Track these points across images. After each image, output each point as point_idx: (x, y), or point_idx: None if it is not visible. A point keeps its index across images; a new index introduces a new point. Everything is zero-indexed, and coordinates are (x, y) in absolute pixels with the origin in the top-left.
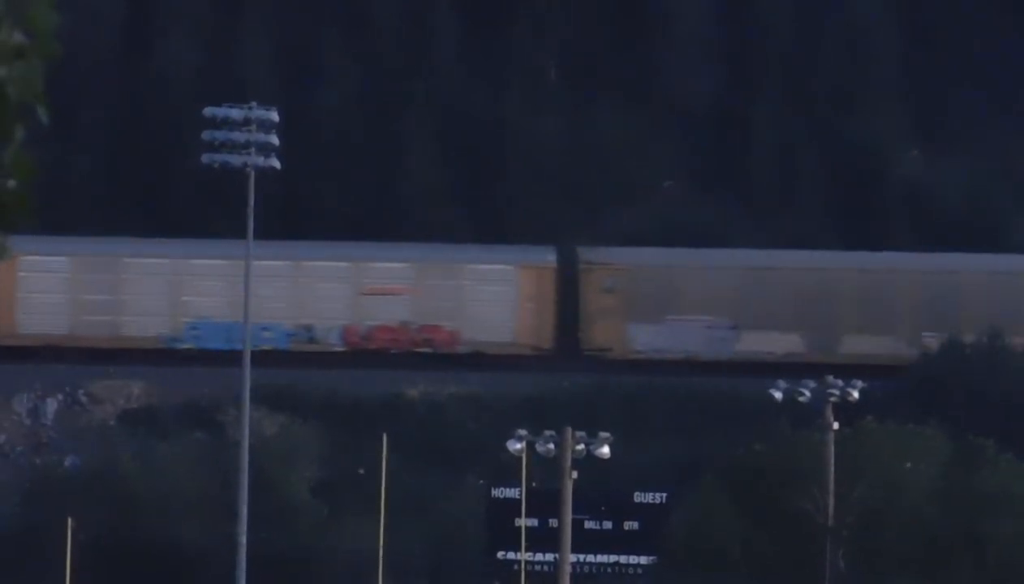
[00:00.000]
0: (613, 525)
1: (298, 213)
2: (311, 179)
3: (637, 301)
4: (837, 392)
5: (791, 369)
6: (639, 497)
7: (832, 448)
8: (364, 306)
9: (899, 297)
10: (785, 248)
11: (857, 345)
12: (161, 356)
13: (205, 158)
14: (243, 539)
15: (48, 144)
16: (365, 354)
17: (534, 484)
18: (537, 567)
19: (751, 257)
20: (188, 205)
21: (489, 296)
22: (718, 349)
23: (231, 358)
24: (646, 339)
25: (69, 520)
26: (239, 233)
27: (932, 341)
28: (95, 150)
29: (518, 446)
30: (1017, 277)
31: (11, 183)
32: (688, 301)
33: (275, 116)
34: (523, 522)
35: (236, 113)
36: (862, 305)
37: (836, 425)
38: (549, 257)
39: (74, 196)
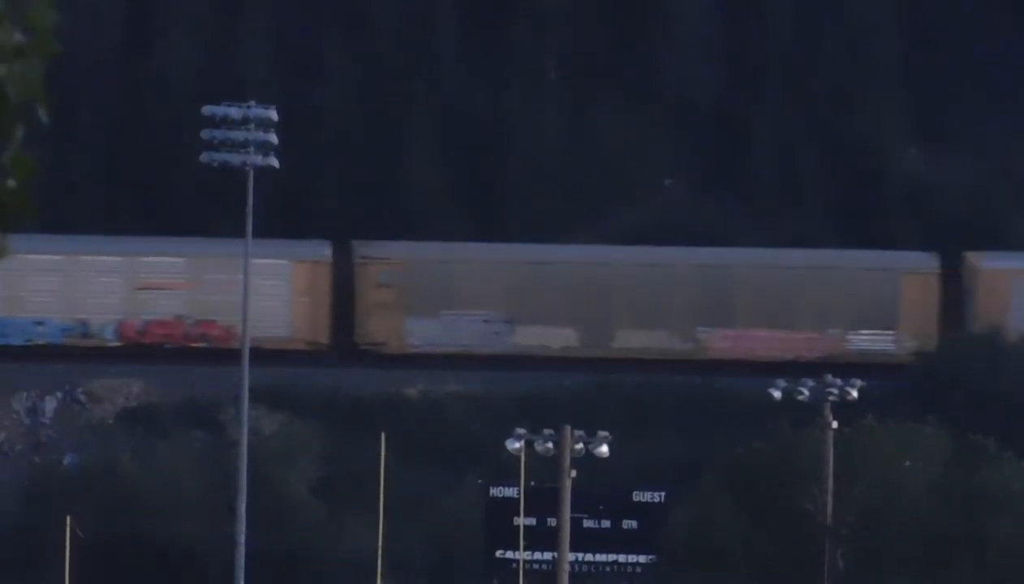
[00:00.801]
0: (612, 524)
1: (297, 212)
2: (310, 178)
3: (413, 295)
4: (836, 391)
5: (566, 362)
6: (638, 496)
7: (831, 447)
8: (139, 301)
9: (674, 291)
10: (787, 247)
11: (631, 339)
12: (161, 355)
13: (204, 157)
14: (242, 538)
15: (47, 143)
16: (361, 353)
17: (533, 483)
18: (536, 566)
19: (527, 252)
20: (188, 204)
21: (264, 291)
22: (494, 343)
23: (230, 357)
24: (422, 333)
25: (68, 519)
26: (238, 232)
27: (708, 335)
28: (94, 149)
29: (517, 445)
30: (792, 271)
31: (11, 183)
32: (464, 295)
33: (274, 115)
34: (522, 521)
35: (235, 112)
36: (637, 299)
37: (835, 424)
38: (324, 251)
39: (73, 195)
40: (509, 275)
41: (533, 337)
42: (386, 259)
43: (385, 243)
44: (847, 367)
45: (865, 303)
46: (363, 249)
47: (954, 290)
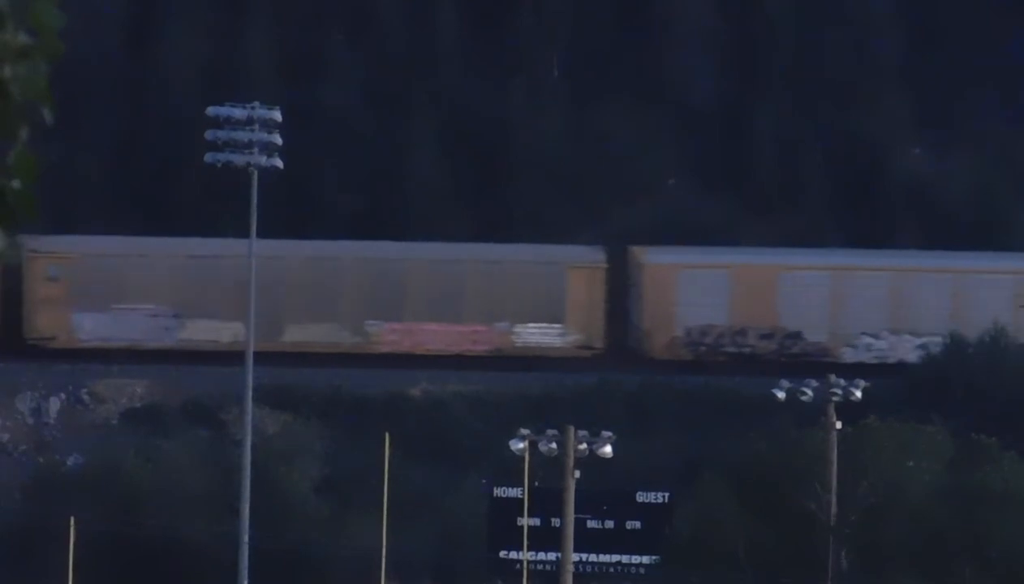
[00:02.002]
0: (615, 524)
1: (302, 211)
2: (314, 177)
3: (82, 289)
4: (840, 391)
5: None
6: (641, 496)
7: (835, 447)
8: None
9: (343, 285)
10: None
11: (301, 333)
12: (164, 355)
13: (208, 157)
14: (245, 537)
15: (51, 143)
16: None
17: (536, 483)
18: (539, 566)
19: (195, 246)
20: (192, 204)
21: None
22: (162, 336)
23: (235, 357)
24: (90, 328)
25: (72, 519)
26: (243, 232)
27: (376, 328)
28: (98, 149)
29: (520, 445)
30: (460, 265)
31: (15, 183)
32: (133, 289)
33: (278, 115)
34: (525, 521)
35: (239, 112)
36: (306, 293)
37: (839, 424)
38: None
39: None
40: (177, 269)
41: (202, 331)
42: (54, 253)
43: (53, 237)
44: (521, 360)
45: (531, 297)
46: (31, 243)
47: (621, 283)
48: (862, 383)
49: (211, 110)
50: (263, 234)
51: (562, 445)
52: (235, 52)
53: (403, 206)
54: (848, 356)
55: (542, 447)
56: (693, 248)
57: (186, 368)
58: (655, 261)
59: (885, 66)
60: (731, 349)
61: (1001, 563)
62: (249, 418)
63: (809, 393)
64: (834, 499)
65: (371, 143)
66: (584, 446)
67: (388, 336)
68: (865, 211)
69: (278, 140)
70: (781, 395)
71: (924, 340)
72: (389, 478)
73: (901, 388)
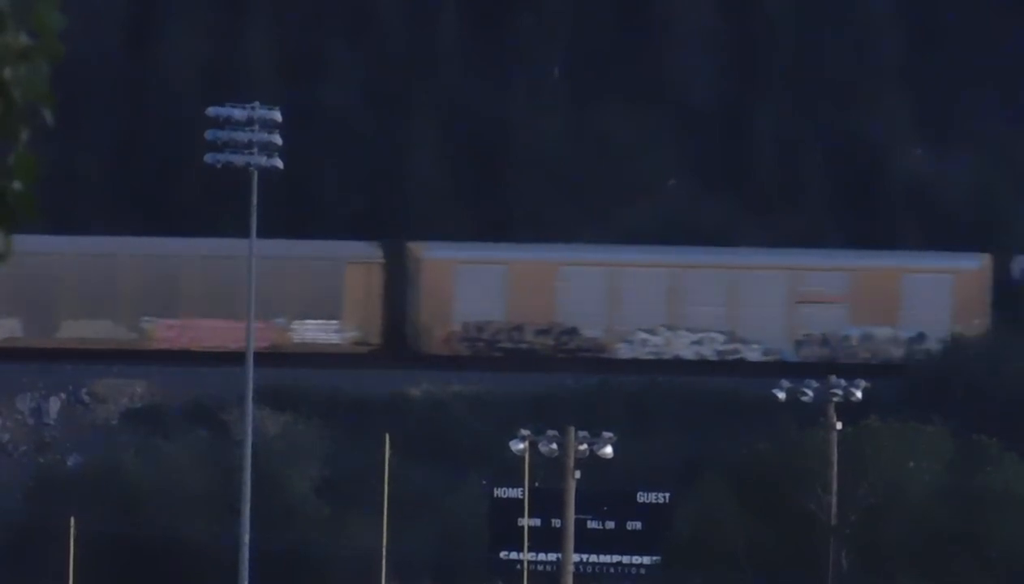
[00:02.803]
0: (616, 525)
1: (302, 212)
2: (315, 178)
3: None
4: (840, 391)
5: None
6: (642, 497)
7: (835, 447)
8: None
9: (119, 281)
10: (785, 247)
11: (76, 329)
12: (164, 355)
13: (208, 158)
14: (246, 538)
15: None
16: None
17: (537, 484)
18: (540, 567)
19: None
20: (192, 204)
21: None
22: None
23: (236, 357)
24: None
25: (72, 519)
26: (243, 231)
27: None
28: (98, 150)
29: (521, 446)
30: (236, 261)
31: (16, 184)
32: None
33: (278, 116)
34: (526, 522)
35: (239, 113)
36: (81, 289)
37: (839, 424)
38: None
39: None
40: None
41: None
42: None
43: None
44: (292, 357)
45: (308, 293)
46: None
47: (399, 279)
48: (862, 383)
49: (211, 110)
50: (263, 234)
51: (562, 445)
52: (235, 52)
53: (403, 206)
54: (624, 352)
55: (542, 448)
56: (471, 244)
57: (187, 368)
58: (432, 257)
59: (885, 66)
60: (508, 345)
61: (1001, 563)
62: (250, 418)
63: (809, 393)
64: (834, 499)
65: (371, 143)
66: (584, 446)
67: (164, 332)
68: (865, 211)
69: (278, 140)
70: (781, 395)
71: (700, 336)
72: (389, 478)
73: (901, 388)
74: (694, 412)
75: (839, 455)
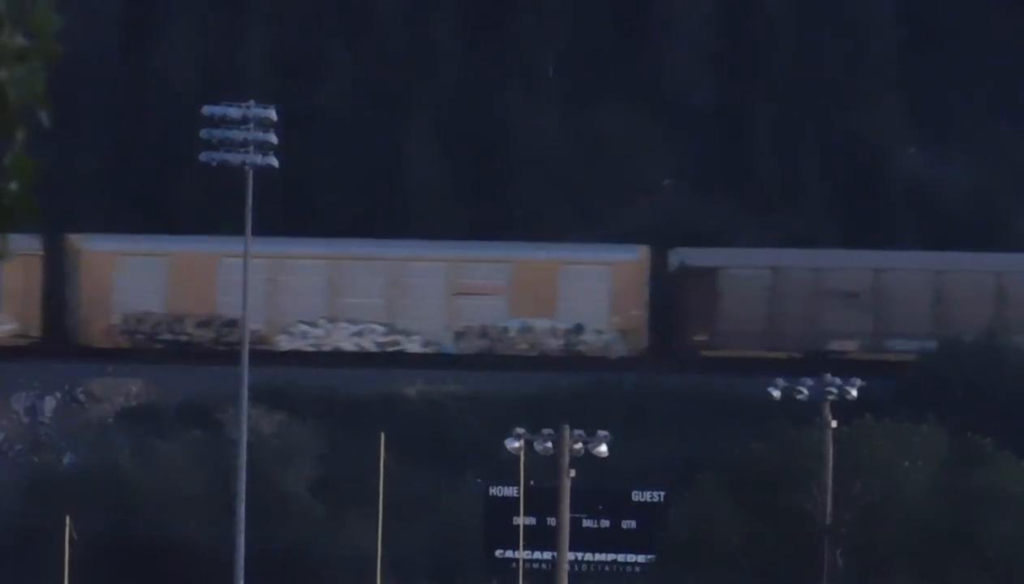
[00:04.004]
0: (611, 524)
1: (297, 210)
2: (310, 177)
3: None
4: (835, 390)
5: None
6: (637, 496)
7: (830, 446)
8: None
9: None
10: (788, 247)
11: None
12: (160, 354)
13: (203, 156)
14: (241, 537)
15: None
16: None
17: (532, 483)
18: (535, 566)
19: None
20: (190, 204)
21: None
22: None
23: (231, 356)
24: None
25: (67, 518)
26: (238, 230)
27: None
28: (93, 148)
29: (516, 445)
30: None
31: (13, 186)
32: None
33: (273, 114)
34: (521, 520)
35: (234, 111)
36: None
37: (834, 423)
38: None
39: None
40: None
41: None
42: None
43: None
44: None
45: None
46: None
47: (59, 271)
48: (858, 382)
49: (206, 109)
50: (263, 233)
51: (557, 444)
52: (234, 52)
53: (402, 206)
54: (284, 343)
55: (537, 446)
56: (132, 236)
57: (182, 367)
58: (92, 249)
59: (884, 66)
60: (168, 337)
61: (997, 562)
62: (245, 418)
63: (805, 392)
64: (830, 499)
65: (370, 143)
66: (579, 445)
67: None
68: (864, 211)
69: (273, 139)
70: (776, 394)
71: (360, 328)
72: (385, 478)
73: (897, 387)
74: (689, 411)
75: (834, 454)
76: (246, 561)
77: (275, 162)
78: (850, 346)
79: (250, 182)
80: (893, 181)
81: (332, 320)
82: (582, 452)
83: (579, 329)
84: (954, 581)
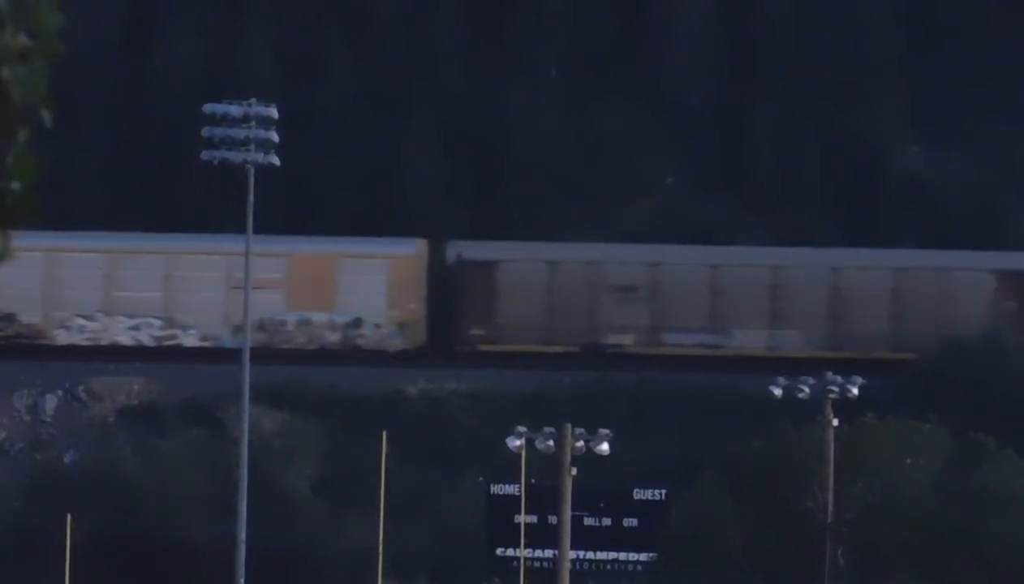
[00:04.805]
0: (612, 522)
1: (299, 209)
2: (314, 177)
3: None
4: (837, 388)
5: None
6: (638, 494)
7: (832, 444)
8: None
9: None
10: (789, 246)
11: None
12: (161, 353)
13: (205, 155)
14: (242, 536)
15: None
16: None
17: (533, 481)
18: (536, 564)
19: None
20: (191, 203)
21: None
22: None
23: (232, 355)
24: None
25: (69, 516)
26: (239, 228)
27: None
28: (95, 147)
29: (517, 443)
30: None
31: (15, 185)
32: None
33: (274, 112)
34: (522, 519)
35: (235, 110)
36: None
37: (836, 421)
38: None
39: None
40: None
41: None
42: None
43: None
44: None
45: None
46: None
47: None
48: (859, 380)
49: (208, 107)
50: (263, 233)
51: (559, 442)
52: (234, 51)
53: (402, 205)
54: (62, 338)
55: (539, 445)
56: None
57: (183, 366)
58: None
59: (884, 66)
60: None
61: (999, 561)
62: (247, 416)
63: (806, 390)
64: (831, 497)
65: (371, 143)
66: (581, 443)
67: None
68: (864, 210)
69: (275, 137)
70: (778, 392)
71: (137, 322)
72: (386, 476)
73: (899, 386)
74: (691, 410)
75: (836, 453)
76: (247, 559)
77: (276, 160)
78: (627, 340)
79: (251, 181)
80: (893, 181)
81: (109, 314)
82: (583, 450)
83: (357, 323)
84: (956, 579)
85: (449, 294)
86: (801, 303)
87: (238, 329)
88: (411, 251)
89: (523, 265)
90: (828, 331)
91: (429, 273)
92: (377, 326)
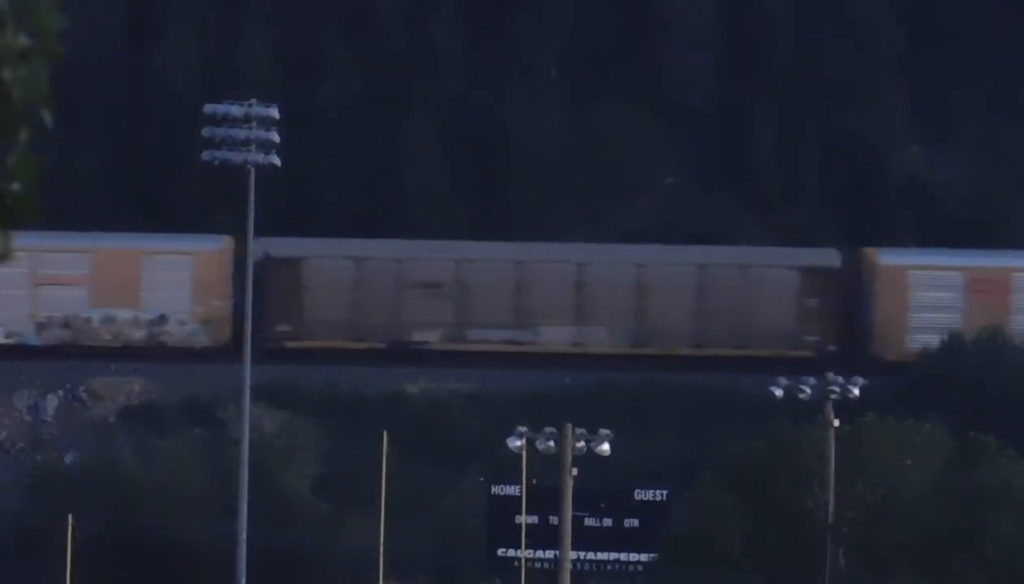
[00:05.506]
0: (613, 522)
1: (300, 209)
2: (313, 176)
3: None
4: (838, 389)
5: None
6: (639, 494)
7: (832, 445)
8: None
9: None
10: (787, 246)
11: None
12: (161, 352)
13: (206, 155)
14: (243, 535)
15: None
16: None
17: (534, 481)
18: (537, 564)
19: None
20: (192, 203)
21: None
22: None
23: (232, 354)
24: None
25: (70, 516)
26: (240, 229)
27: None
28: (95, 147)
29: (518, 443)
30: None
31: (15, 186)
32: None
33: (275, 113)
34: (523, 519)
35: (236, 110)
36: None
37: (837, 422)
38: None
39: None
40: None
41: None
42: None
43: None
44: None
45: None
46: None
47: None
48: (860, 381)
49: (208, 107)
50: (263, 233)
51: (560, 443)
52: (234, 51)
53: (402, 206)
54: None
55: (540, 445)
56: None
57: (183, 366)
58: None
59: (884, 66)
60: None
61: (999, 561)
62: (247, 416)
63: (807, 391)
64: (832, 497)
65: (371, 143)
66: (582, 444)
67: None
68: (864, 210)
69: (275, 137)
70: (779, 393)
71: None
72: (387, 476)
73: (899, 386)
74: (692, 410)
75: (836, 453)
76: (248, 559)
77: (277, 160)
78: (432, 337)
79: (252, 181)
80: (893, 181)
81: None
82: (584, 450)
83: (162, 319)
84: (956, 579)
85: (255, 291)
86: (606, 299)
87: (43, 326)
88: (216, 247)
89: (328, 262)
90: (633, 327)
91: (234, 270)
92: (182, 323)
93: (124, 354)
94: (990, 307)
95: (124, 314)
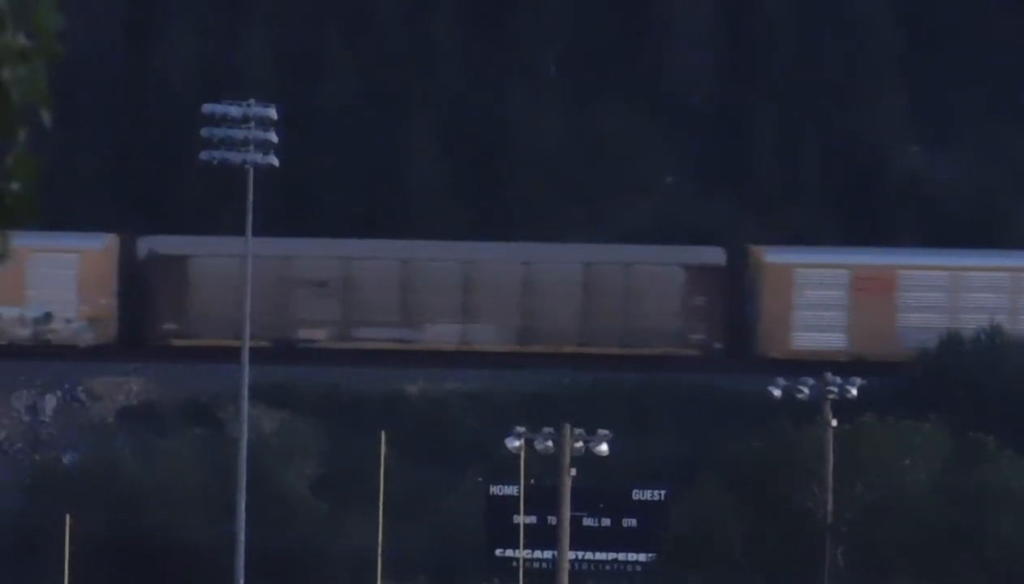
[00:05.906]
0: (612, 522)
1: (298, 210)
2: (311, 176)
3: None
4: (836, 389)
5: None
6: (638, 494)
7: (831, 445)
8: None
9: None
10: (787, 245)
11: None
12: (160, 352)
13: (204, 155)
14: (242, 536)
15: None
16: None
17: (533, 481)
18: (536, 564)
19: None
20: (191, 203)
21: None
22: None
23: (231, 354)
24: None
25: (68, 516)
26: (239, 229)
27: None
28: (94, 147)
29: (517, 443)
30: None
31: (15, 186)
32: None
33: (274, 113)
34: (522, 519)
35: (235, 110)
36: None
37: (835, 422)
38: None
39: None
40: None
41: None
42: None
43: None
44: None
45: None
46: None
47: None
48: (858, 381)
49: (207, 107)
50: (263, 233)
51: (558, 443)
52: (234, 52)
53: (402, 206)
54: None
55: (538, 445)
56: None
57: (182, 366)
58: None
59: (884, 66)
60: None
61: (999, 561)
62: (245, 416)
63: (806, 391)
64: (831, 497)
65: (371, 143)
66: (580, 444)
67: None
68: (865, 210)
69: (274, 137)
70: (777, 393)
71: None
72: (386, 476)
73: (898, 386)
74: (691, 410)
75: (835, 453)
76: (247, 559)
77: (275, 161)
78: (319, 335)
79: (251, 181)
80: (893, 181)
81: None
82: (583, 450)
83: (47, 318)
84: (956, 579)
85: (141, 289)
86: (493, 297)
87: None
88: (101, 245)
89: (214, 260)
90: (519, 325)
91: (120, 267)
92: (68, 321)
93: (8, 352)
94: (876, 305)
95: (9, 312)
